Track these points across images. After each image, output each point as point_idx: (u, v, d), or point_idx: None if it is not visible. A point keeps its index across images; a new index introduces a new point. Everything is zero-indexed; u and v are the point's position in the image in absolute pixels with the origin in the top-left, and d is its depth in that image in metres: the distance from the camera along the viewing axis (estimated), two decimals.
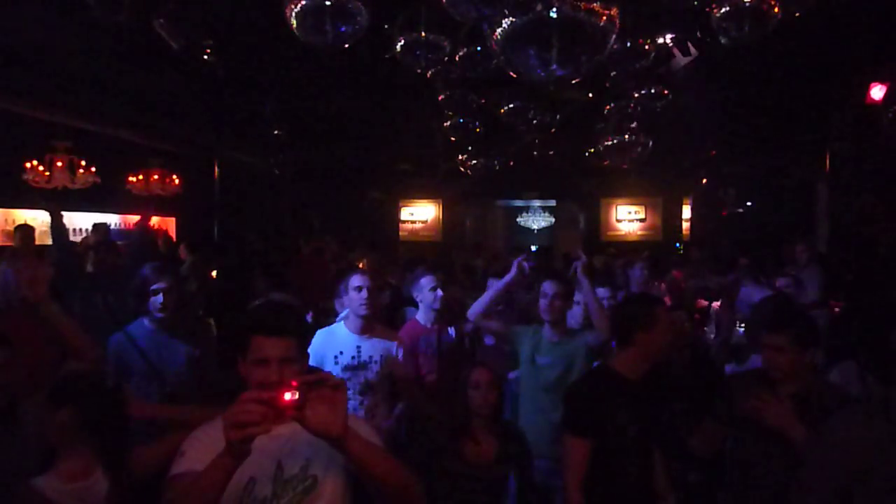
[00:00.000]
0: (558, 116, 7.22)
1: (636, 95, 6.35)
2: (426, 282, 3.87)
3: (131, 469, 2.06)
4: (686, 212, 13.74)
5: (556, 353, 3.43)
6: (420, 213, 14.85)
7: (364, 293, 3.33)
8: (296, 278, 6.46)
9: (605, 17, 2.53)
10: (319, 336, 3.40)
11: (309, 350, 1.81)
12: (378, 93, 8.43)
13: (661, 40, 5.18)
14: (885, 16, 6.26)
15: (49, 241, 4.59)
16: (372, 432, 1.68)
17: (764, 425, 2.28)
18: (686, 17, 5.10)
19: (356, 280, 3.38)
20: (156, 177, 10.76)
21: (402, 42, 4.33)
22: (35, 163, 8.64)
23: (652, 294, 4.56)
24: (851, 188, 9.09)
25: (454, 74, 5.44)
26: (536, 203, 17.85)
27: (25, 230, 6.06)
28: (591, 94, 7.69)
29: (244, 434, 1.35)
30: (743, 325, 4.71)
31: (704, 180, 12.60)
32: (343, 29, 3.52)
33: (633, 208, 14.20)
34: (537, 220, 18.30)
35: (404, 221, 14.81)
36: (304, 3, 3.36)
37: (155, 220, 10.41)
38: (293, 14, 3.42)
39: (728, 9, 3.66)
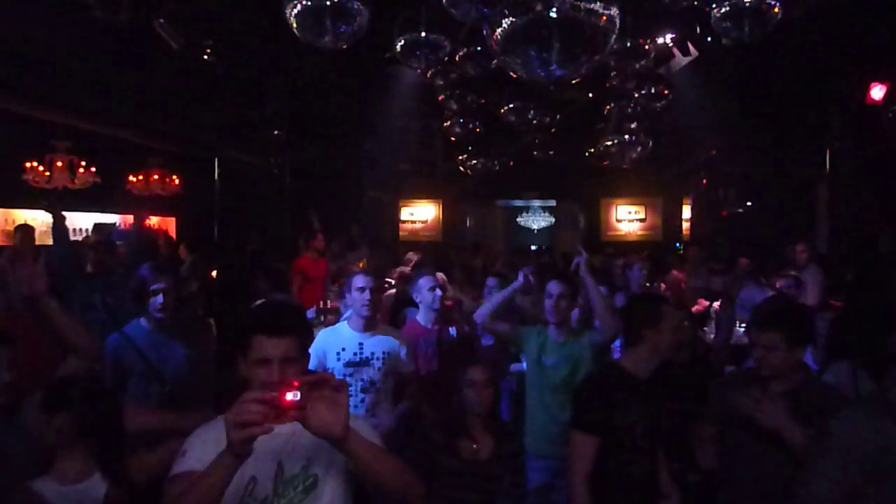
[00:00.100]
0: (558, 116, 7.23)
1: (636, 95, 6.36)
2: (425, 282, 3.88)
3: (129, 472, 2.06)
4: (686, 212, 13.73)
5: (562, 354, 3.44)
6: (420, 213, 14.81)
7: (367, 294, 3.34)
8: (295, 278, 6.45)
9: (605, 17, 2.53)
10: (322, 334, 3.44)
11: (311, 348, 1.81)
12: (378, 93, 8.43)
13: (661, 40, 5.19)
14: (885, 16, 6.27)
15: (49, 241, 4.59)
16: (373, 432, 1.68)
17: (757, 425, 2.28)
18: (686, 17, 5.11)
19: (359, 280, 3.41)
20: (156, 177, 10.73)
21: (402, 42, 4.34)
22: (35, 163, 8.61)
23: (656, 292, 4.58)
24: (851, 188, 9.08)
25: (454, 74, 5.45)
26: (536, 203, 17.86)
27: (25, 230, 6.04)
28: (591, 94, 7.70)
29: (245, 434, 1.35)
30: (744, 326, 4.71)
31: (704, 180, 12.59)
32: (343, 29, 3.52)
33: (633, 208, 14.20)
34: (537, 220, 18.32)
35: (404, 221, 14.76)
36: (304, 3, 3.36)
37: (153, 221, 10.42)
38: (293, 14, 3.43)
39: (728, 9, 3.67)
